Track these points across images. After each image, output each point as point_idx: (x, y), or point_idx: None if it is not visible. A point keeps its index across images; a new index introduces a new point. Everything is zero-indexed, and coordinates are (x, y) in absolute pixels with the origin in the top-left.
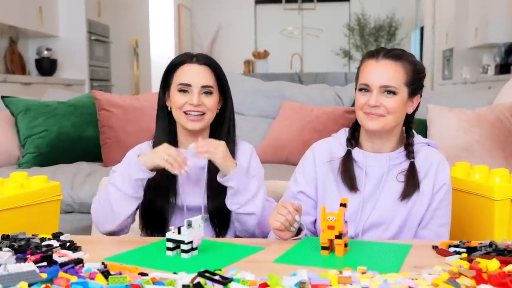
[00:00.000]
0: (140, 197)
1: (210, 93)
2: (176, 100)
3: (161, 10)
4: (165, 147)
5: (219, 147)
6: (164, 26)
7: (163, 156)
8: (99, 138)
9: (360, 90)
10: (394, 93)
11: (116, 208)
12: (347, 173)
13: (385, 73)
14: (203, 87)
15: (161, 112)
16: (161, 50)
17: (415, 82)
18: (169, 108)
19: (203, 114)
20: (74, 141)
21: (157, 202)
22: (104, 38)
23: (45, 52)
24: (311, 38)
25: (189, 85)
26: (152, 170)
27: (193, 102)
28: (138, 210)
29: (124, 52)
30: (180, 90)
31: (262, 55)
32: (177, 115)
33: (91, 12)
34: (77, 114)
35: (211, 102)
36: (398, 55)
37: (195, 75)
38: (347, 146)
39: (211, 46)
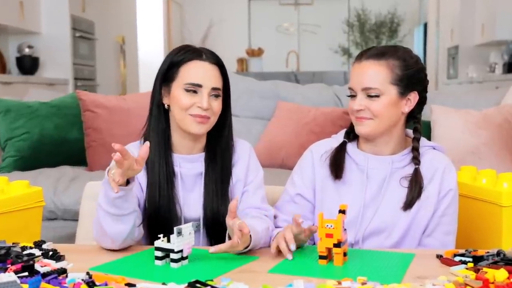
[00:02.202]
0: (132, 212)
1: (218, 96)
2: (181, 100)
3: (149, 5)
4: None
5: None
6: (153, 22)
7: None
8: (83, 141)
9: (349, 95)
10: (377, 95)
11: (109, 229)
12: (335, 160)
13: (365, 74)
14: (213, 89)
15: (156, 110)
16: (149, 48)
17: (406, 78)
18: (166, 106)
19: (209, 118)
20: (57, 144)
21: (161, 214)
22: (89, 35)
23: (27, 50)
24: (308, 34)
25: (199, 86)
26: (125, 184)
27: (203, 105)
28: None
29: (110, 50)
30: (188, 90)
31: (256, 53)
32: (180, 116)
33: (75, 8)
34: (61, 116)
35: (218, 106)
36: (381, 53)
37: (206, 75)
38: (344, 137)
39: (202, 43)
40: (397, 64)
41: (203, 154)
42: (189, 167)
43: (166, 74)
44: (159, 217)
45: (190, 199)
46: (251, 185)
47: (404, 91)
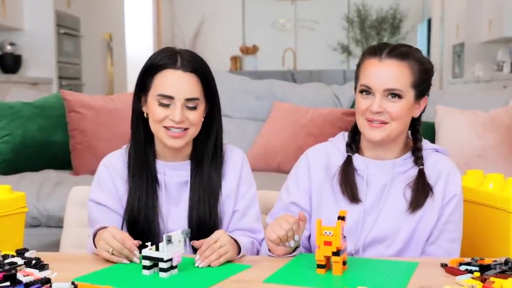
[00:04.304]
0: None
1: (195, 107)
2: (155, 112)
3: (138, 0)
4: (108, 237)
5: (225, 244)
6: (141, 18)
7: (107, 248)
8: (68, 143)
9: (361, 92)
10: (399, 96)
11: None
12: (347, 182)
13: (389, 74)
14: (187, 100)
15: (136, 120)
16: (138, 45)
17: (423, 83)
18: (145, 114)
19: (186, 129)
20: (40, 146)
21: (141, 220)
22: (74, 31)
23: (8, 47)
24: (306, 31)
25: (171, 98)
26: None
27: (175, 118)
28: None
29: (96, 47)
30: (160, 102)
31: (250, 51)
32: (155, 128)
33: (59, 3)
34: (44, 117)
35: (196, 117)
36: (404, 53)
37: (178, 86)
38: (347, 151)
39: (194, 40)
40: (417, 67)
41: (189, 162)
42: (173, 175)
43: (142, 83)
44: (137, 230)
45: (175, 211)
46: (242, 202)
47: (419, 96)
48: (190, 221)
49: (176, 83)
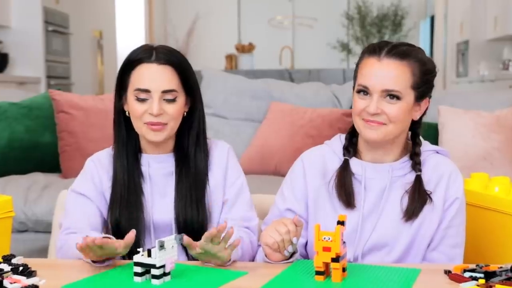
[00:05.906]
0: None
1: (173, 99)
2: (134, 108)
3: None
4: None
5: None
6: (133, 15)
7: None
8: (57, 145)
9: (359, 92)
10: (397, 97)
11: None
12: (343, 187)
13: (388, 75)
14: (164, 92)
15: (118, 118)
16: (129, 43)
17: (424, 84)
18: (127, 113)
19: (166, 124)
20: (28, 148)
21: (123, 220)
22: (63, 29)
23: None
24: (304, 28)
25: (147, 91)
26: (102, 259)
27: (153, 111)
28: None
29: (86, 45)
30: (137, 97)
31: (246, 49)
32: (137, 125)
33: None
34: (32, 117)
35: (175, 110)
36: (404, 52)
37: (154, 78)
38: (344, 155)
39: (187, 38)
40: (418, 68)
41: (172, 154)
42: (159, 167)
43: (121, 81)
44: (121, 224)
45: (161, 203)
46: (231, 191)
47: (420, 97)
48: (176, 213)
49: (152, 76)
